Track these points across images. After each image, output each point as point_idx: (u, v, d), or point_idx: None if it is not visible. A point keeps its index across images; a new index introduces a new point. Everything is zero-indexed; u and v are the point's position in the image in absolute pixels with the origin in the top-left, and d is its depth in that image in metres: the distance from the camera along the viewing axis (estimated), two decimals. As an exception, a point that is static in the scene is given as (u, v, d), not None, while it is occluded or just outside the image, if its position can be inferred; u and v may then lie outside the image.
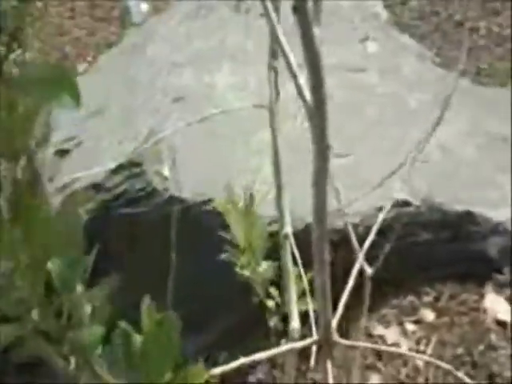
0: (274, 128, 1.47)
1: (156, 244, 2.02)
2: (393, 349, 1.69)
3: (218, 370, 0.91)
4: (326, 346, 1.06)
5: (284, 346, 1.22)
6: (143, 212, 2.11)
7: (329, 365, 1.06)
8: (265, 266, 1.54)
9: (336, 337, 1.06)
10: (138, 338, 0.76)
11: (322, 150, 0.78)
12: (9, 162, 0.71)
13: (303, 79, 0.86)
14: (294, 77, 0.84)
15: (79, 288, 0.73)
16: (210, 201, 2.05)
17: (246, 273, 1.56)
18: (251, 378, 1.96)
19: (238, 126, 2.27)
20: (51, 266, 0.70)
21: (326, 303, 1.03)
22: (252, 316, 1.77)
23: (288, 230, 1.44)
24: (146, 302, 0.77)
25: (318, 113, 0.75)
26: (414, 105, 2.44)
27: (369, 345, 1.51)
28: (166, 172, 2.18)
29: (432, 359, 1.51)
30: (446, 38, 2.92)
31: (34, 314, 0.70)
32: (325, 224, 0.91)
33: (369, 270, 1.41)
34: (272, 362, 1.95)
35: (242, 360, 1.00)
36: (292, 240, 1.46)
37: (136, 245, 2.12)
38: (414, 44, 2.82)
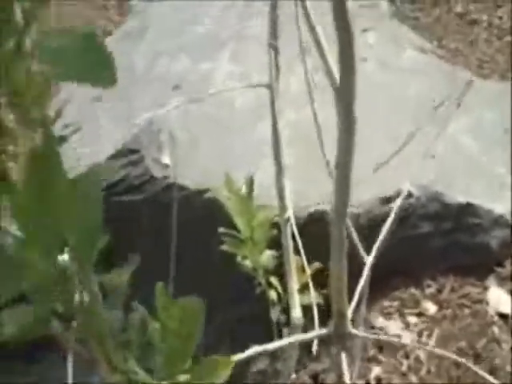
0: (275, 108, 1.42)
1: (155, 232, 2.00)
2: (398, 340, 1.66)
3: (235, 358, 0.88)
4: (339, 338, 1.03)
5: (294, 337, 1.19)
6: (141, 200, 2.08)
7: (343, 357, 1.03)
8: (267, 256, 1.50)
9: (351, 329, 1.03)
10: (153, 323, 0.72)
11: (348, 125, 0.75)
12: (25, 130, 0.66)
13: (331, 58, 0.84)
14: (320, 47, 0.81)
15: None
16: (208, 190, 2.02)
17: (248, 263, 1.52)
18: (252, 368, 1.94)
19: (239, 117, 2.25)
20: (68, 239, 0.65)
21: (341, 294, 1.00)
22: (254, 307, 1.74)
23: (289, 214, 1.41)
24: (160, 286, 0.73)
25: (345, 84, 0.71)
26: (413, 95, 2.42)
27: (383, 337, 1.48)
28: (167, 159, 2.15)
29: (436, 350, 1.49)
30: (447, 31, 2.90)
31: (50, 294, 0.66)
32: (346, 207, 0.88)
33: (368, 259, 1.39)
34: (273, 352, 1.93)
35: (252, 350, 0.98)
36: (295, 228, 1.42)
37: (134, 232, 2.09)
38: (414, 36, 2.79)
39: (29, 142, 0.64)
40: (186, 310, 0.70)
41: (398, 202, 1.74)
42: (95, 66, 0.56)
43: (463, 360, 1.21)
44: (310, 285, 1.49)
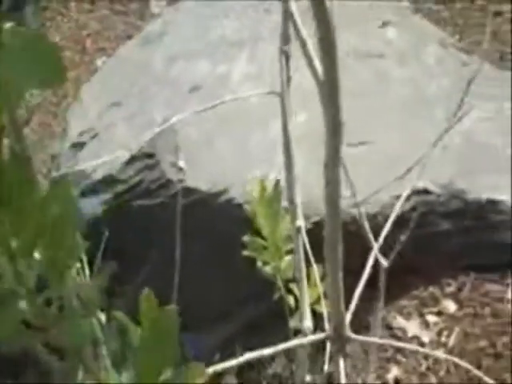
0: (286, 115, 1.39)
1: (172, 235, 1.99)
2: (404, 344, 1.63)
3: (219, 367, 0.87)
4: (338, 341, 1.01)
5: (293, 341, 1.17)
6: (158, 204, 2.08)
7: (341, 361, 1.01)
8: (286, 262, 1.47)
9: (349, 332, 1.00)
10: (136, 331, 0.71)
11: (334, 128, 0.72)
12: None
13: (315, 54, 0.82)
14: (304, 46, 0.79)
15: (72, 277, 0.69)
16: (225, 191, 2.01)
17: (268, 269, 1.49)
18: (269, 371, 1.93)
19: (253, 115, 2.23)
20: (42, 251, 0.64)
21: (337, 297, 0.97)
22: (272, 312, 1.72)
23: (300, 223, 1.38)
24: (146, 293, 0.72)
25: (330, 86, 0.69)
26: (434, 91, 2.38)
27: (383, 341, 1.45)
28: (182, 163, 2.14)
29: (449, 357, 1.46)
30: (469, 23, 2.85)
31: (23, 305, 0.65)
32: (338, 212, 0.85)
33: (384, 263, 1.36)
34: (289, 356, 1.91)
35: (248, 355, 0.96)
36: (304, 234, 1.40)
37: (151, 236, 2.09)
38: (435, 30, 2.75)
39: None
40: (162, 320, 0.69)
41: (402, 199, 1.68)
42: (46, 66, 0.56)
43: (476, 371, 1.19)
44: (321, 294, 1.47)
